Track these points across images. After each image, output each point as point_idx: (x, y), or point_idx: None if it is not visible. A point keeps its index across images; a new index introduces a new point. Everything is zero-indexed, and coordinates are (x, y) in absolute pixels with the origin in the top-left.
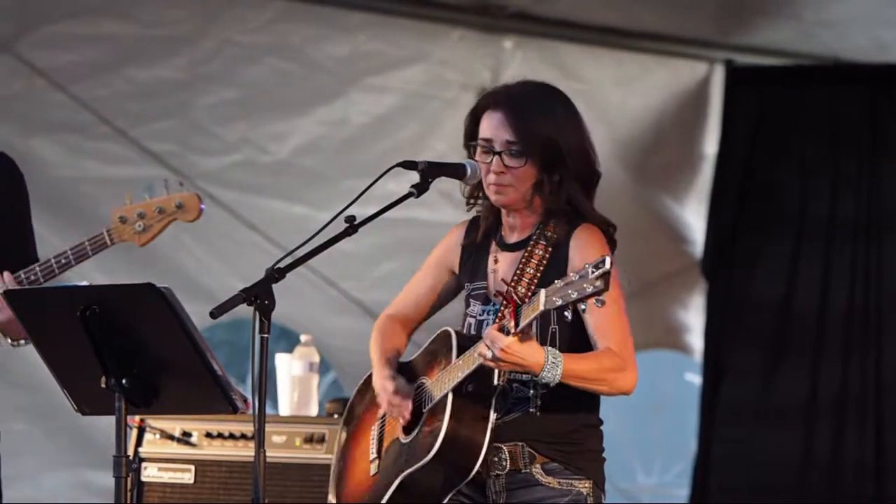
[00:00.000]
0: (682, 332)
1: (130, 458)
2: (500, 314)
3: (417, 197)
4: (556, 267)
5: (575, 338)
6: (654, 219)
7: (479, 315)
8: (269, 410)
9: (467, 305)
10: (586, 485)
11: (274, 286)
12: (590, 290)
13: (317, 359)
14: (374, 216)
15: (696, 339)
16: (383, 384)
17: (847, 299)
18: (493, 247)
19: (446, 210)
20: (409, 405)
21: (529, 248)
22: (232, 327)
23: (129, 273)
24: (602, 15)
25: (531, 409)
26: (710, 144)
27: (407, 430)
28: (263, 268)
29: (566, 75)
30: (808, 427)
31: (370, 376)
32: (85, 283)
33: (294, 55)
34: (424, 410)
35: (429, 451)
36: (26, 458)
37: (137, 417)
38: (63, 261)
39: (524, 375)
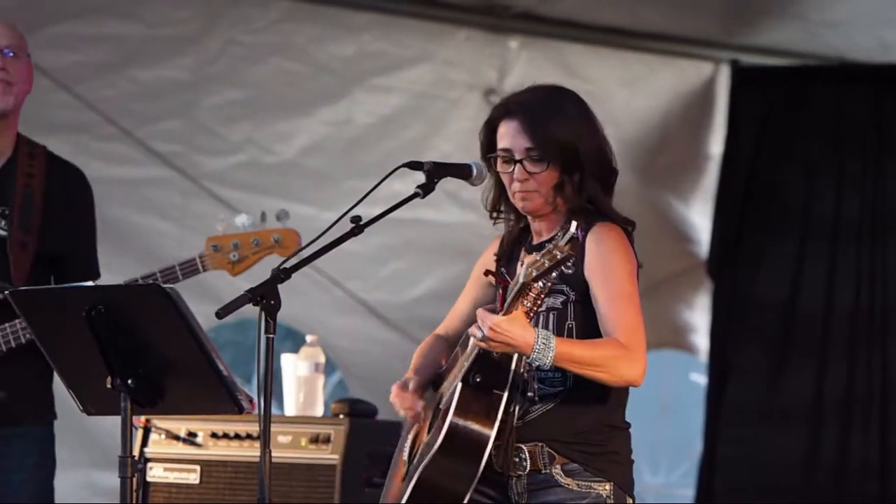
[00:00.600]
0: (688, 332)
1: (136, 458)
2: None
3: (423, 197)
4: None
5: (592, 333)
6: (660, 219)
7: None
8: (274, 411)
9: None
10: (606, 487)
11: (280, 286)
12: (559, 256)
13: (322, 359)
14: (380, 216)
15: (701, 339)
16: (393, 388)
17: (852, 299)
18: (523, 253)
19: (452, 210)
20: (416, 401)
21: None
22: (237, 328)
23: (134, 273)
24: (607, 15)
25: (549, 408)
26: (716, 144)
27: (430, 430)
28: (269, 268)
29: (571, 75)
30: (814, 427)
31: None
32: (90, 283)
33: (299, 55)
34: (441, 407)
35: (435, 444)
36: None
37: (143, 418)
38: (151, 282)
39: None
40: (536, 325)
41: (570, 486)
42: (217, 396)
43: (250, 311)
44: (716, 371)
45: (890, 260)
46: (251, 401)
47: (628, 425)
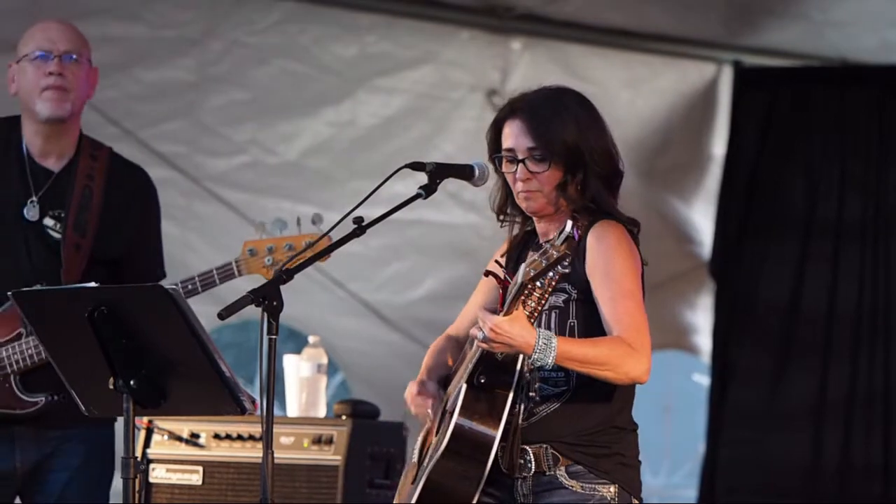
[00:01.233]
0: (690, 332)
1: (139, 459)
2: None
3: (425, 198)
4: (575, 259)
5: (594, 331)
6: (662, 219)
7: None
8: (276, 412)
9: None
10: (610, 489)
11: (282, 287)
12: (556, 255)
13: (325, 360)
14: (382, 217)
15: (704, 340)
16: (409, 388)
17: (855, 301)
18: (529, 254)
19: (454, 211)
20: (431, 402)
21: None
22: (240, 329)
23: None
24: (610, 16)
25: (553, 409)
26: (718, 145)
27: (438, 432)
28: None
29: (574, 76)
30: (816, 428)
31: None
32: (93, 284)
33: (302, 56)
34: (447, 408)
35: (441, 445)
36: None
37: (146, 419)
38: (190, 287)
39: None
40: (539, 324)
41: (575, 489)
42: (219, 397)
43: (252, 312)
44: (718, 372)
45: (892, 260)
46: (253, 402)
47: (636, 426)
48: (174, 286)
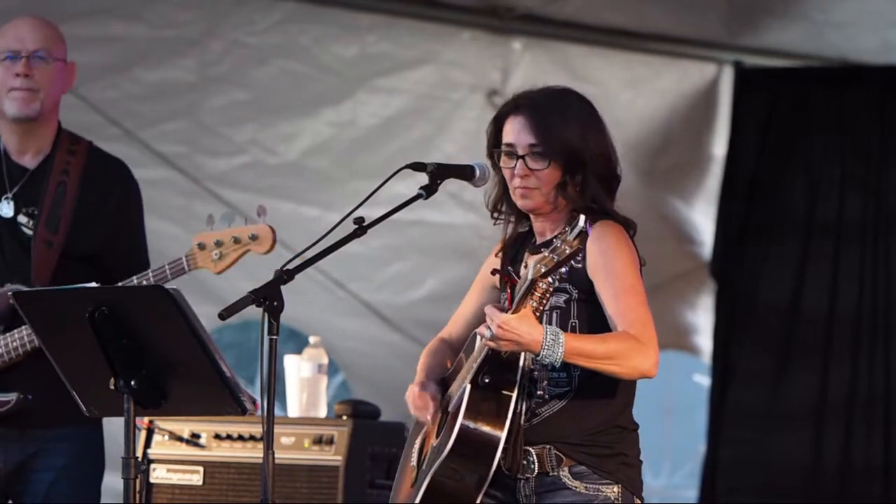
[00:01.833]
0: (691, 333)
1: (139, 459)
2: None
3: (426, 199)
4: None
5: (596, 331)
6: (663, 220)
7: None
8: (277, 412)
9: None
10: (614, 489)
11: (283, 288)
12: (568, 251)
13: (325, 360)
14: (383, 218)
15: (704, 341)
16: (410, 389)
17: (855, 301)
18: (526, 255)
19: (455, 211)
20: (432, 404)
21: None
22: (241, 329)
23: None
24: (610, 16)
25: (555, 409)
26: (719, 146)
27: (439, 433)
28: (272, 269)
29: (574, 77)
30: (817, 429)
31: None
32: (94, 284)
33: (302, 57)
34: (449, 409)
35: (446, 447)
36: None
37: (146, 419)
38: (144, 283)
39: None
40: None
41: (579, 489)
42: (220, 398)
43: (253, 312)
44: (719, 372)
45: (892, 260)
46: (254, 402)
47: (637, 426)
48: (129, 283)
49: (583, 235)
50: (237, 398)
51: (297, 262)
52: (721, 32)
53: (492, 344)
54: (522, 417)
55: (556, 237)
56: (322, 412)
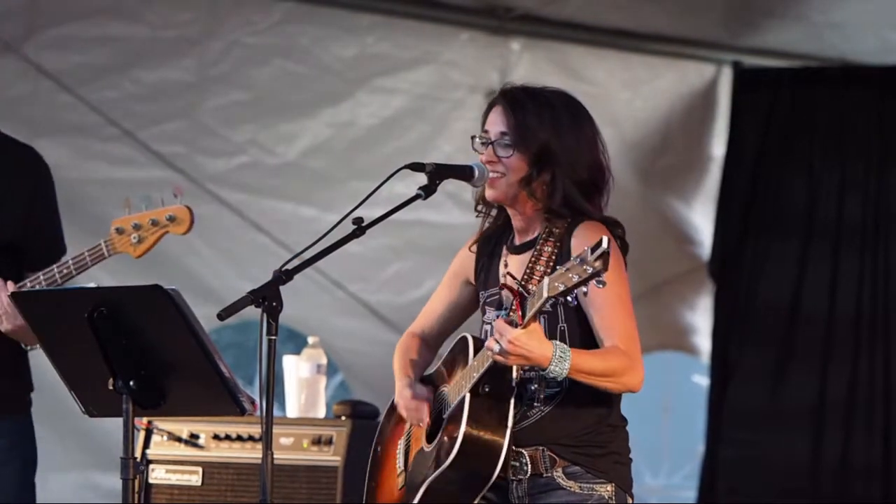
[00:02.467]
0: (690, 333)
1: (138, 459)
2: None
3: (425, 199)
4: (564, 262)
5: (583, 335)
6: (662, 220)
7: (495, 321)
8: (276, 412)
9: (483, 313)
10: (608, 488)
11: (282, 288)
12: (590, 271)
13: (324, 361)
14: (382, 218)
15: (703, 341)
16: (401, 391)
17: (855, 302)
18: (504, 252)
19: (454, 212)
20: (427, 409)
21: (538, 247)
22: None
23: (136, 275)
24: (609, 17)
25: (547, 411)
26: (718, 146)
27: (430, 438)
28: (271, 269)
29: (573, 77)
30: (816, 429)
31: None
32: (93, 284)
33: (302, 57)
34: (444, 416)
35: (448, 455)
36: None
37: (145, 419)
38: (65, 271)
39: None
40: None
41: (573, 489)
42: (219, 398)
43: (252, 312)
44: (718, 373)
45: (892, 261)
46: (253, 402)
47: (626, 421)
48: (50, 272)
49: (605, 257)
50: (236, 398)
51: (296, 262)
52: (720, 33)
53: (500, 358)
54: (513, 420)
55: (577, 256)
56: (321, 412)
